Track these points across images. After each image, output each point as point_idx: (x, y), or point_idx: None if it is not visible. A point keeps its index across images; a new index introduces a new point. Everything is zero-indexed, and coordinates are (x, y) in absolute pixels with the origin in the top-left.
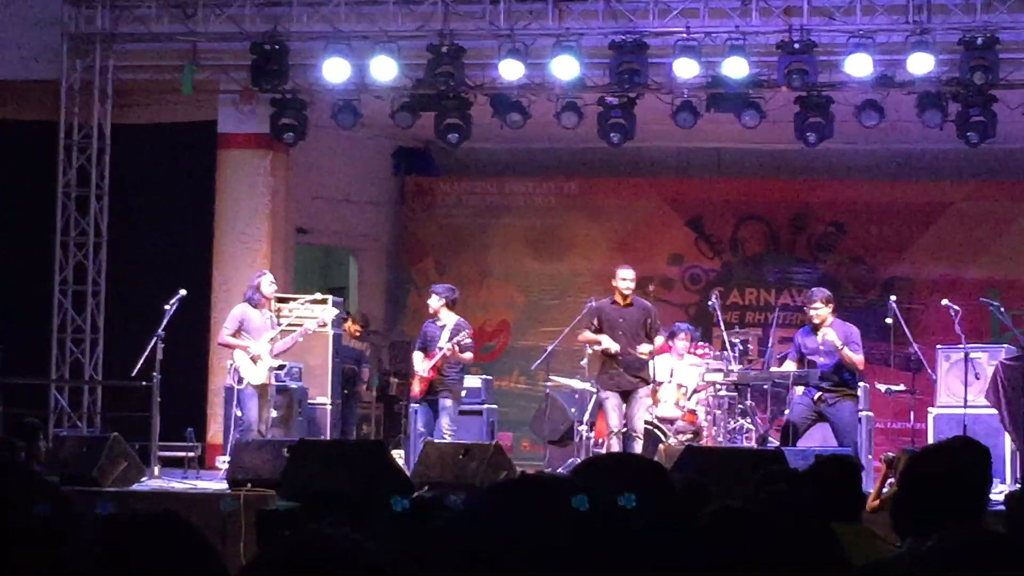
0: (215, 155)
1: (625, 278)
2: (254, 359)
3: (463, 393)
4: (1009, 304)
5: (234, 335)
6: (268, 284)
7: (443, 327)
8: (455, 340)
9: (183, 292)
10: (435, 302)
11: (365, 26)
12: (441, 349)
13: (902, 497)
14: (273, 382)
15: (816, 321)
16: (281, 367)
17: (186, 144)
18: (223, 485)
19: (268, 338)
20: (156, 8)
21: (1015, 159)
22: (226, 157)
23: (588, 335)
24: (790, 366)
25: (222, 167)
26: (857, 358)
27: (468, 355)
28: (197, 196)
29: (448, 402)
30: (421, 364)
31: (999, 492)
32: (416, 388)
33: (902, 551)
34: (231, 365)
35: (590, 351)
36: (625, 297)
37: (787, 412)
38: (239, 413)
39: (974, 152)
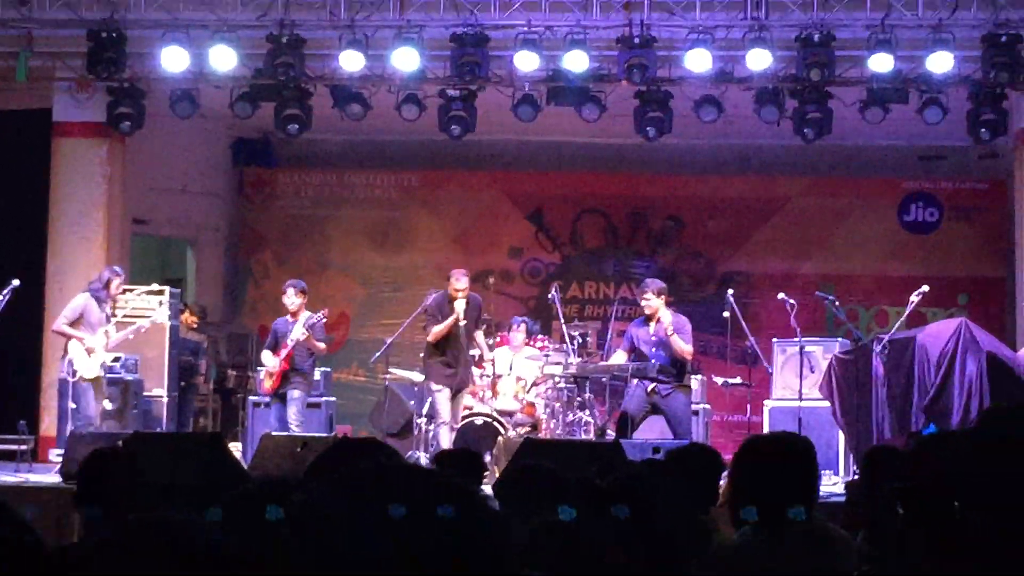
0: (50, 144)
1: (459, 288)
2: (88, 351)
3: (312, 385)
4: (844, 298)
5: (72, 325)
6: (118, 285)
7: (295, 322)
8: (308, 324)
9: (16, 283)
10: (294, 300)
11: (204, 15)
12: (293, 340)
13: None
14: (105, 374)
15: (648, 312)
16: (116, 359)
17: (20, 132)
18: (56, 479)
19: (103, 331)
20: None
21: (850, 155)
22: (61, 146)
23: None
24: (620, 356)
25: (57, 156)
26: (686, 348)
27: (322, 345)
28: (31, 185)
29: (296, 393)
30: (271, 361)
31: (833, 484)
32: (267, 384)
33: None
34: (65, 357)
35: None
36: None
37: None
38: (75, 406)
39: (810, 148)
